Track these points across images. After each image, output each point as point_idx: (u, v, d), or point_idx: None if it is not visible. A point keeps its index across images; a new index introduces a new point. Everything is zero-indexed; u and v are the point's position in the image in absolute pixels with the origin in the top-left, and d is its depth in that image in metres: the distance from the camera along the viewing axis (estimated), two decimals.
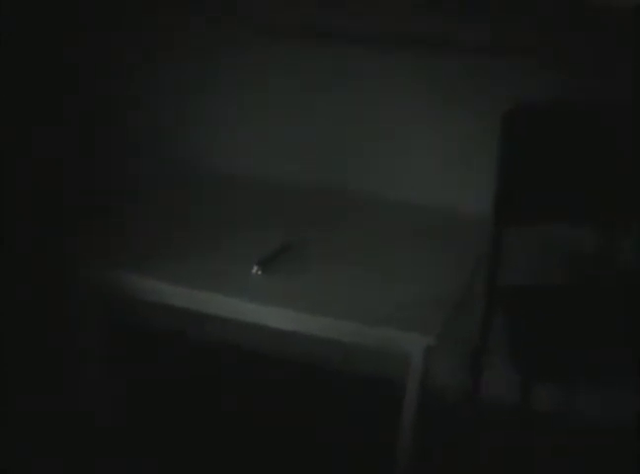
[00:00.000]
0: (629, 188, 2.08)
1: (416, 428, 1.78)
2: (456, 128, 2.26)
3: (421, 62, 2.22)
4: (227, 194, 2.30)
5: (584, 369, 1.89)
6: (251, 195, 2.30)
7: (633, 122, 2.03)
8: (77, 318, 2.00)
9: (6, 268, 2.31)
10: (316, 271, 1.90)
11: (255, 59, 2.36)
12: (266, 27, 2.30)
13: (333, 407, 2.47)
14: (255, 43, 2.33)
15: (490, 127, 2.09)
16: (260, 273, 1.87)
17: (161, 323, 2.70)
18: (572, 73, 2.11)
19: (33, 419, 2.33)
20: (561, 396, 2.39)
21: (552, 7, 2.04)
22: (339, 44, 2.27)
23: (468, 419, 2.40)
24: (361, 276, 1.90)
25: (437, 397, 2.37)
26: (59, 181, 2.54)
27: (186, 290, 1.83)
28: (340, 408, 2.47)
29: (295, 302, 1.78)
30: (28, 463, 2.18)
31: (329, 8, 2.23)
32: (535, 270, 2.27)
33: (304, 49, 2.30)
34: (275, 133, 2.42)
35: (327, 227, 2.12)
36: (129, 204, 2.24)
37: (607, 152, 2.10)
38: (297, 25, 2.27)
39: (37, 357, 2.52)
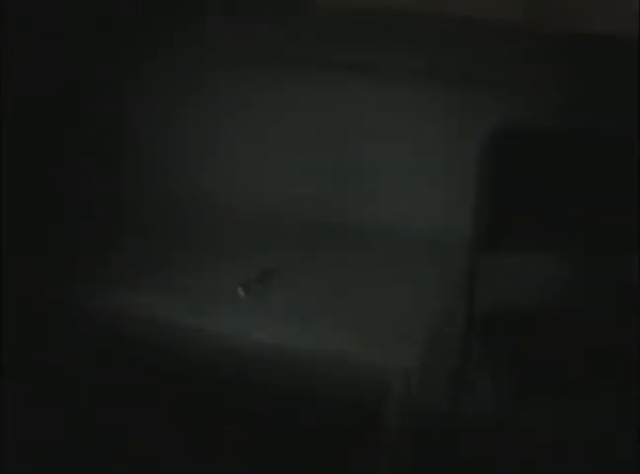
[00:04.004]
0: (613, 214, 2.09)
1: (397, 453, 1.78)
2: (435, 154, 2.26)
3: (408, 90, 2.23)
4: (215, 219, 2.30)
5: (564, 393, 1.89)
6: (237, 221, 2.30)
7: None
8: (65, 335, 2.00)
9: None
10: (297, 296, 1.91)
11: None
12: (265, 51, 2.30)
13: (313, 431, 2.45)
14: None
15: (470, 154, 2.10)
16: (243, 295, 1.87)
17: (145, 342, 2.68)
18: (561, 101, 2.12)
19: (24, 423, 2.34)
20: (541, 420, 2.38)
21: (551, 37, 2.04)
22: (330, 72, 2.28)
23: (449, 442, 2.38)
24: (342, 302, 1.90)
25: (417, 421, 2.35)
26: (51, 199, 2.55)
27: (171, 311, 1.83)
28: (320, 433, 2.45)
29: (276, 327, 1.78)
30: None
31: (329, 36, 2.24)
32: (518, 294, 2.27)
33: (302, 76, 2.32)
34: (259, 163, 2.43)
35: (309, 254, 2.12)
36: (122, 230, 2.24)
37: (593, 179, 2.10)
38: (296, 51, 2.29)
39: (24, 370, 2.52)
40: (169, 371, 2.59)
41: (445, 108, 2.21)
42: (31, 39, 2.48)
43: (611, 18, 1.95)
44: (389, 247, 2.17)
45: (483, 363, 1.98)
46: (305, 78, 2.33)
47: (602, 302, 2.21)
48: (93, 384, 2.48)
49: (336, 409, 2.49)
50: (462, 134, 2.19)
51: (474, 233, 2.09)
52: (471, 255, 2.09)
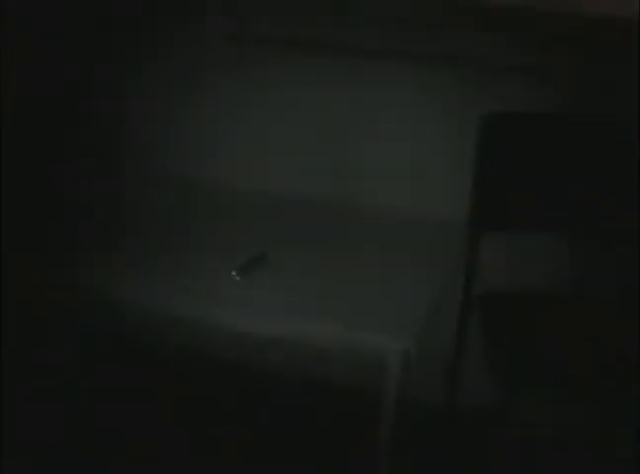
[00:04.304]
0: (610, 197, 2.09)
1: (394, 436, 1.78)
2: (433, 135, 2.26)
3: (405, 73, 2.23)
4: (210, 202, 2.30)
5: (561, 378, 1.88)
6: (232, 204, 2.30)
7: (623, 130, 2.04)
8: (65, 335, 2.00)
9: None
10: (294, 277, 1.90)
11: (252, 70, 2.37)
12: (266, 35, 2.30)
13: (311, 417, 2.46)
14: (254, 52, 2.34)
15: (468, 135, 2.09)
16: (238, 278, 1.87)
17: (139, 330, 2.68)
18: (559, 84, 2.12)
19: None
20: (540, 404, 2.38)
21: (552, 19, 2.04)
22: (333, 55, 2.28)
23: (446, 426, 2.39)
24: (339, 283, 1.89)
25: (414, 405, 2.35)
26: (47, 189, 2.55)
27: (164, 295, 1.84)
28: (318, 417, 2.46)
29: (273, 308, 1.78)
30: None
31: (328, 18, 2.24)
32: (513, 276, 2.27)
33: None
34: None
35: (305, 234, 2.12)
36: (116, 213, 2.24)
37: (590, 161, 2.10)
38: (296, 34, 2.28)
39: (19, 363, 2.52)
40: (169, 367, 2.60)
41: (446, 88, 2.21)
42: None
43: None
44: (388, 231, 2.17)
45: (481, 345, 1.98)
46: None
47: (602, 286, 2.20)
48: (93, 384, 2.48)
49: (335, 393, 2.51)
50: (460, 114, 2.20)
51: (471, 215, 2.10)
52: (469, 237, 2.10)
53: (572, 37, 2.04)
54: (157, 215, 2.19)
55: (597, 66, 2.07)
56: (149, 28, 2.42)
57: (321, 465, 2.26)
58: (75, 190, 2.34)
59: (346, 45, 2.24)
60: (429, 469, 2.24)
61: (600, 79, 2.08)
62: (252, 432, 2.37)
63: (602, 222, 2.11)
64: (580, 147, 2.09)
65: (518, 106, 2.11)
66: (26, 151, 2.55)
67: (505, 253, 2.25)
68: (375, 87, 2.27)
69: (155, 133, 2.53)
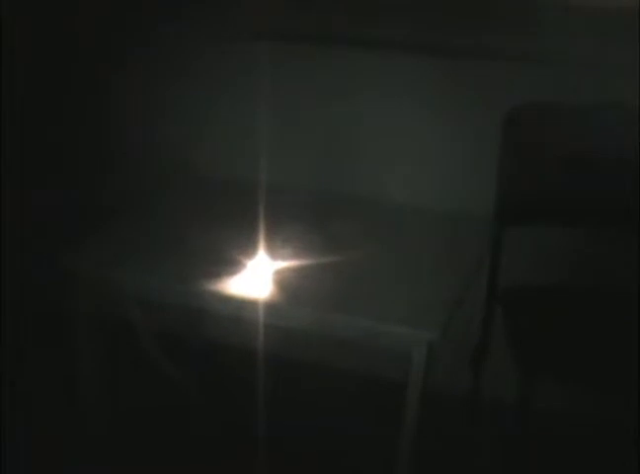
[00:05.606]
0: (631, 189, 2.08)
1: (417, 426, 1.79)
2: (457, 129, 2.26)
3: (418, 64, 2.23)
4: (228, 195, 2.31)
5: (585, 369, 1.89)
6: (253, 196, 2.30)
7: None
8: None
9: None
10: (319, 270, 1.91)
11: (254, 62, 2.37)
12: (266, 29, 2.30)
13: (334, 407, 2.47)
14: (255, 46, 2.34)
15: (491, 127, 2.10)
16: (264, 271, 1.88)
17: (162, 323, 2.70)
18: (575, 74, 2.12)
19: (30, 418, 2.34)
20: (562, 395, 2.39)
21: (553, 8, 2.05)
22: (337, 47, 2.28)
23: (469, 418, 2.40)
24: (363, 275, 1.90)
25: (438, 396, 2.37)
26: (55, 181, 2.55)
27: (189, 288, 1.84)
28: (340, 408, 2.47)
29: (298, 300, 1.79)
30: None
31: (329, 10, 2.24)
32: (538, 270, 2.27)
33: (305, 52, 2.32)
34: (270, 135, 2.42)
35: (329, 227, 2.12)
36: (127, 205, 2.24)
37: (610, 153, 2.10)
38: (298, 27, 2.29)
39: (31, 359, 2.52)
40: (172, 366, 2.60)
41: (463, 79, 2.21)
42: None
43: None
44: (409, 221, 2.19)
45: (505, 338, 1.99)
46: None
47: (627, 280, 2.20)
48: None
49: (360, 385, 2.51)
50: (480, 107, 2.19)
51: (495, 207, 2.10)
52: (493, 230, 2.10)
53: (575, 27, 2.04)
54: (158, 214, 2.19)
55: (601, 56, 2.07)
56: (149, 28, 2.43)
57: (345, 455, 2.28)
58: (75, 187, 2.35)
59: (346, 41, 2.25)
60: (451, 460, 2.24)
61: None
62: (275, 424, 2.37)
63: (629, 217, 2.10)
64: (601, 138, 2.08)
65: (528, 98, 2.11)
66: (26, 151, 2.55)
67: (530, 246, 2.24)
68: (377, 83, 2.28)
69: (154, 133, 2.53)
